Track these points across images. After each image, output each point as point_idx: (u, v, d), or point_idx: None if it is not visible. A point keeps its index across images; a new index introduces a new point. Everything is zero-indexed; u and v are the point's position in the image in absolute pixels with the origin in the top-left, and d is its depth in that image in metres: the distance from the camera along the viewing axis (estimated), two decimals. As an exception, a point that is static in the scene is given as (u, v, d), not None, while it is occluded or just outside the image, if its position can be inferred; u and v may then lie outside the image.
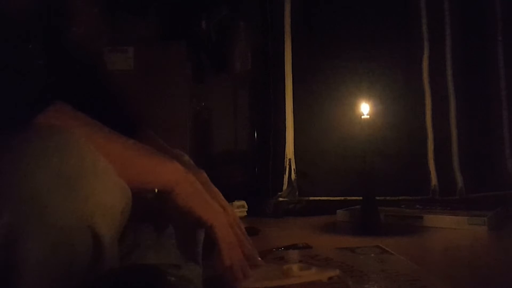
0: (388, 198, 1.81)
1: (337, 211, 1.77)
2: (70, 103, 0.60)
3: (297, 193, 1.95)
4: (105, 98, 0.80)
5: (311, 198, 1.94)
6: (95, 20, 0.77)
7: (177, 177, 0.67)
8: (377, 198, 1.59)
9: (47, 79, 0.60)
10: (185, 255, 0.74)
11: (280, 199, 1.94)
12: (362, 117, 1.54)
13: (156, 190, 0.69)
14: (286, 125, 1.98)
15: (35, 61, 0.59)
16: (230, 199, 0.79)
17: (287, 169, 1.97)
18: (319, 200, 1.94)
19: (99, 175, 0.57)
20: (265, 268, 0.77)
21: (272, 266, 0.89)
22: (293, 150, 1.98)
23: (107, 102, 0.80)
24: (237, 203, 1.81)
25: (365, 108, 1.54)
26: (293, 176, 1.97)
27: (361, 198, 1.56)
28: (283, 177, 1.97)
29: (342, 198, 1.87)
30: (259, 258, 0.77)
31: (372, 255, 1.15)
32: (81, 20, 0.74)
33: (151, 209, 0.72)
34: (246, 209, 1.86)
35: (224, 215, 0.71)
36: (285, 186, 1.96)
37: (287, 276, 0.76)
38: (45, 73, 0.60)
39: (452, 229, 1.52)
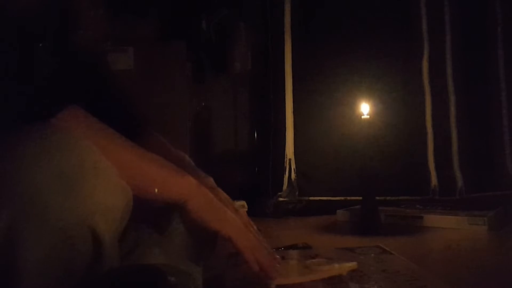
0: (388, 198, 1.81)
1: (337, 211, 1.77)
2: (77, 104, 0.61)
3: (297, 193, 1.95)
4: (111, 99, 0.80)
5: (311, 198, 1.95)
6: (101, 22, 0.78)
7: (190, 190, 0.67)
8: (377, 198, 1.59)
9: (55, 80, 0.60)
10: (191, 256, 0.75)
11: (280, 199, 1.94)
12: (362, 117, 1.54)
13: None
14: (286, 125, 1.99)
15: (45, 60, 0.60)
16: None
17: (287, 169, 1.97)
18: (319, 200, 1.94)
19: (100, 175, 0.57)
20: (287, 264, 0.79)
21: (293, 262, 0.90)
22: (293, 150, 1.98)
23: (113, 102, 0.80)
24: (237, 203, 1.81)
25: (365, 108, 1.54)
26: (293, 176, 1.97)
27: (361, 198, 1.56)
28: (283, 177, 1.97)
29: (342, 198, 1.87)
30: (277, 256, 0.77)
31: (372, 255, 1.15)
32: (88, 23, 0.74)
33: (152, 209, 0.72)
34: (246, 209, 1.86)
35: (240, 221, 0.71)
36: (285, 186, 1.96)
37: (312, 271, 0.77)
38: (53, 74, 0.60)
39: (452, 229, 1.52)
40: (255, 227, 0.77)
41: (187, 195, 0.66)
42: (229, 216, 0.70)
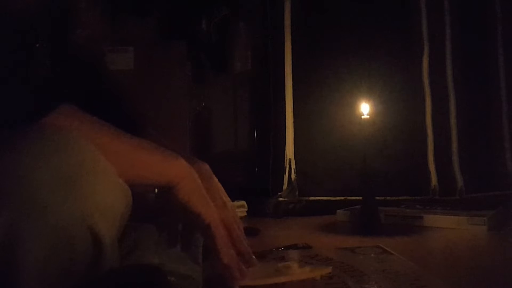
0: (388, 198, 1.81)
1: (337, 211, 1.77)
2: (74, 103, 0.61)
3: (297, 193, 1.95)
4: (108, 99, 0.80)
5: (311, 198, 1.94)
6: (99, 22, 0.78)
7: (182, 172, 0.68)
8: (377, 198, 1.59)
9: (52, 79, 0.60)
10: (191, 256, 0.75)
11: (280, 199, 1.94)
12: (362, 117, 1.54)
13: (156, 190, 0.69)
14: (286, 125, 1.98)
15: (42, 61, 0.60)
16: (230, 199, 0.79)
17: (287, 169, 1.97)
18: (319, 200, 1.94)
19: (99, 175, 0.57)
20: (260, 266, 0.78)
21: (267, 264, 0.89)
22: (293, 150, 1.98)
23: (110, 102, 0.80)
24: (237, 203, 1.81)
25: (365, 108, 1.54)
26: (293, 176, 1.97)
27: (361, 198, 1.56)
28: (283, 177, 1.97)
29: (342, 198, 1.87)
30: (253, 257, 0.77)
31: (372, 255, 1.15)
32: (86, 22, 0.74)
33: (152, 209, 0.72)
34: (246, 209, 1.86)
35: (222, 213, 0.71)
36: (285, 186, 1.96)
37: (282, 274, 0.77)
38: (51, 74, 0.60)
39: (452, 229, 1.52)
40: (241, 225, 0.77)
41: (180, 177, 0.67)
42: (212, 206, 0.71)
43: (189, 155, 0.80)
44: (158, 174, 0.67)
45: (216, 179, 0.77)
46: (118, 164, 0.60)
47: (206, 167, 0.78)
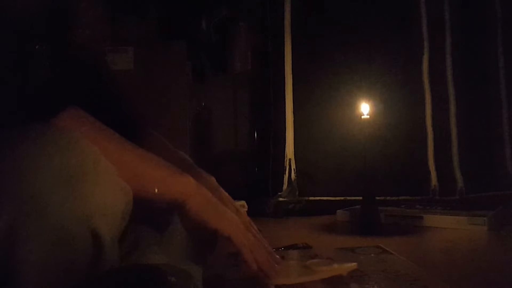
0: (388, 198, 1.81)
1: (337, 211, 1.77)
2: (75, 104, 0.61)
3: (297, 193, 1.95)
4: (109, 99, 0.80)
5: (311, 198, 1.95)
6: (99, 22, 0.78)
7: (189, 190, 0.67)
8: (377, 198, 1.59)
9: (53, 80, 0.60)
10: (191, 256, 0.75)
11: (280, 199, 1.94)
12: (362, 117, 1.54)
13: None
14: (286, 125, 1.99)
15: (42, 61, 0.60)
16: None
17: (287, 169, 1.97)
18: (319, 200, 1.94)
19: (100, 175, 0.57)
20: (287, 264, 0.79)
21: (292, 262, 0.91)
22: (293, 150, 1.98)
23: (111, 102, 0.80)
24: (237, 203, 1.81)
25: (365, 108, 1.54)
26: (293, 176, 1.97)
27: (361, 198, 1.56)
28: (283, 177, 1.97)
29: (342, 198, 1.87)
30: (277, 256, 0.78)
31: (372, 255, 1.15)
32: (86, 22, 0.74)
33: (152, 210, 0.72)
34: (246, 209, 1.86)
35: (239, 221, 0.72)
36: (285, 186, 1.96)
37: (311, 271, 0.78)
38: (51, 74, 0.60)
39: (452, 229, 1.52)
40: (255, 227, 0.77)
41: (186, 195, 0.67)
42: (228, 215, 0.71)
43: (195, 167, 0.80)
44: (162, 189, 0.66)
45: (223, 191, 0.77)
46: (121, 172, 0.60)
47: (213, 179, 0.78)
